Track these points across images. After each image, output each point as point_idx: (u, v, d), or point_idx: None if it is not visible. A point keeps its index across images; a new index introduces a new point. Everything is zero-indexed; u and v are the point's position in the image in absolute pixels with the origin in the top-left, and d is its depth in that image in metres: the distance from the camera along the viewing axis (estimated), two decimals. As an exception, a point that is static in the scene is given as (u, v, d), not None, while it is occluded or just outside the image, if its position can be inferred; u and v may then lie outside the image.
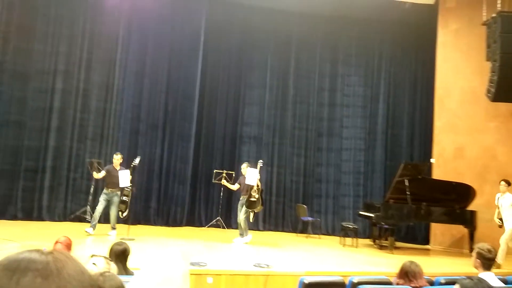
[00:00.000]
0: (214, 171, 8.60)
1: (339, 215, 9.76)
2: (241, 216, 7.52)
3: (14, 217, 8.09)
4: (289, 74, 10.11)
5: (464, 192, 7.92)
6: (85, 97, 8.87)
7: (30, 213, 8.28)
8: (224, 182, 8.15)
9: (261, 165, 7.63)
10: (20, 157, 8.32)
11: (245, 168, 7.69)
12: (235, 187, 7.94)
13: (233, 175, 8.36)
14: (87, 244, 6.52)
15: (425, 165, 8.45)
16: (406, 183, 7.75)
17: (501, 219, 6.89)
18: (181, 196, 9.23)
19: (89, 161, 8.05)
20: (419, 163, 8.89)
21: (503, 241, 6.66)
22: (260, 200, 7.46)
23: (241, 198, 7.67)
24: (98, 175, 7.26)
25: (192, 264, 5.35)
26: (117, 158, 7.34)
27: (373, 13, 9.64)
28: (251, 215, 7.61)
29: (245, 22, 9.90)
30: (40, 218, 8.27)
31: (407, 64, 10.18)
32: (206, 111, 9.76)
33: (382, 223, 7.97)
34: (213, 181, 8.57)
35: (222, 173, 8.32)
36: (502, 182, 6.91)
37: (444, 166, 8.84)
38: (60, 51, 8.74)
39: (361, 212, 8.61)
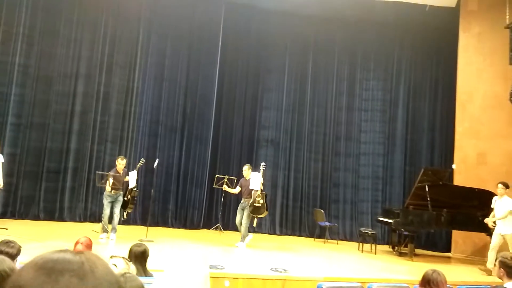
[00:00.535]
0: (216, 176, 8.32)
1: (357, 220, 9.64)
2: (244, 221, 7.31)
3: (36, 217, 8.28)
4: (307, 78, 10.08)
5: (487, 199, 7.71)
6: (105, 100, 9.02)
7: (52, 214, 8.45)
8: (225, 187, 7.92)
9: (264, 168, 7.49)
10: (43, 159, 8.51)
11: (246, 171, 7.54)
12: (236, 190, 7.72)
13: (235, 180, 8.04)
14: (103, 245, 6.61)
15: (446, 171, 8.29)
16: (427, 189, 7.61)
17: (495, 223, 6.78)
18: (198, 199, 9.29)
19: (101, 174, 7.50)
20: (439, 168, 8.72)
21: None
22: (265, 205, 7.33)
23: (242, 201, 7.49)
24: (109, 187, 7.15)
25: (210, 267, 5.36)
26: (123, 163, 7.28)
27: (392, 17, 9.55)
28: (255, 220, 7.47)
29: (263, 25, 9.93)
30: (61, 218, 8.44)
31: (428, 68, 10.02)
32: (223, 115, 9.80)
33: (402, 229, 7.83)
34: (214, 186, 8.30)
35: (224, 178, 8.07)
36: (500, 185, 6.76)
37: (466, 172, 8.64)
38: (82, 55, 8.92)
39: (380, 218, 8.49)
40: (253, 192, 7.29)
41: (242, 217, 7.37)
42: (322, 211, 9.08)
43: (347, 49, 10.17)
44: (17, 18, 8.47)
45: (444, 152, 9.55)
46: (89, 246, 3.58)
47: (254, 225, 7.62)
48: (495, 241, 6.64)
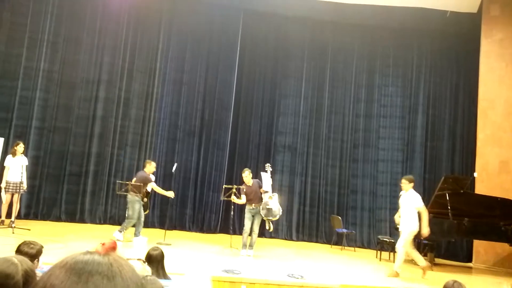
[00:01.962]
0: (223, 187, 7.68)
1: (375, 228, 9.52)
2: (256, 228, 6.93)
3: (58, 219, 8.47)
4: (325, 84, 10.06)
5: (510, 208, 7.52)
6: (126, 106, 9.20)
7: (73, 215, 8.63)
8: (233, 198, 7.21)
9: (271, 169, 7.19)
10: (65, 162, 8.72)
11: (248, 176, 7.05)
12: (243, 200, 7.08)
13: (244, 189, 7.26)
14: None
15: (467, 179, 8.11)
16: (447, 197, 7.46)
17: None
18: (215, 203, 9.35)
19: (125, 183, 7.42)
20: (460, 176, 8.54)
21: (400, 247, 6.33)
22: (279, 206, 7.05)
23: (251, 208, 6.97)
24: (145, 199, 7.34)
25: (227, 271, 5.38)
26: (154, 166, 7.51)
27: (410, 22, 9.47)
28: (271, 224, 7.10)
29: (281, 31, 9.98)
30: (82, 220, 8.61)
31: (448, 74, 9.86)
32: (241, 120, 9.87)
33: (421, 238, 7.69)
34: (222, 198, 7.74)
35: (232, 188, 7.30)
36: (403, 180, 6.55)
37: (488, 181, 8.44)
38: (104, 61, 9.13)
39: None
40: (263, 194, 6.97)
41: (252, 225, 6.95)
42: (340, 217, 9.00)
43: (365, 55, 10.11)
44: (42, 25, 8.74)
45: (465, 159, 9.36)
46: (114, 248, 3.65)
47: (271, 229, 7.32)
48: None
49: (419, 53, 10.02)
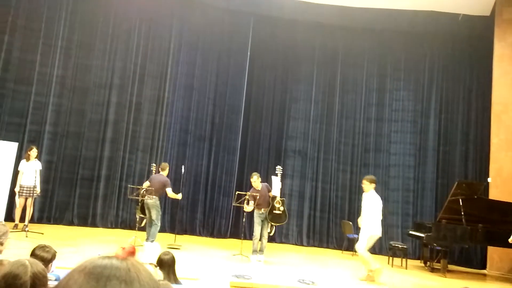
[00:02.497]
0: (236, 193, 7.41)
1: (387, 233, 9.37)
2: (265, 232, 6.91)
3: (70, 223, 8.56)
4: (335, 88, 10.03)
5: (525, 215, 7.38)
6: (137, 110, 9.27)
7: (85, 219, 8.70)
8: (245, 206, 6.97)
9: (281, 172, 7.10)
10: (78, 166, 8.80)
11: (257, 181, 6.95)
12: (251, 208, 6.92)
13: (257, 196, 6.97)
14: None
15: (481, 185, 7.98)
16: (461, 202, 7.35)
17: None
18: (226, 208, 9.35)
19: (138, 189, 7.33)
20: (474, 182, 8.41)
21: (361, 249, 6.06)
22: (286, 212, 7.00)
23: (261, 212, 6.91)
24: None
25: (237, 276, 5.37)
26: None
27: (422, 26, 9.40)
28: (273, 228, 7.10)
29: (291, 36, 9.99)
30: (94, 224, 8.68)
31: (461, 78, 9.75)
32: (251, 124, 9.87)
33: (434, 244, 7.59)
34: (234, 204, 7.44)
35: (245, 195, 7.03)
36: (364, 180, 6.27)
37: (502, 186, 8.29)
38: (116, 66, 9.23)
39: (411, 232, 8.27)
40: (271, 198, 6.90)
41: (261, 230, 6.91)
42: (350, 223, 8.92)
43: (376, 58, 10.06)
44: (56, 31, 8.88)
45: (478, 164, 9.21)
46: (132, 253, 3.66)
47: (271, 233, 7.25)
48: None
49: (431, 56, 9.93)
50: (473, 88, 9.60)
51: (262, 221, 6.96)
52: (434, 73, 9.89)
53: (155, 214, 7.05)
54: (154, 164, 8.08)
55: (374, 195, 6.23)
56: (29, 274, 1.68)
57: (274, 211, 6.88)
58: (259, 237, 6.93)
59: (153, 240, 6.98)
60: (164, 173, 7.42)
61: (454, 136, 9.58)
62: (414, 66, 9.95)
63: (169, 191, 7.29)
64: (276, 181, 7.00)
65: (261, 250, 6.94)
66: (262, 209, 6.93)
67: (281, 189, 7.13)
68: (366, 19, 9.37)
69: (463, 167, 9.39)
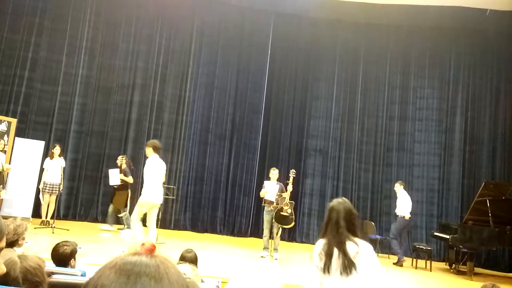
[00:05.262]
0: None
1: (410, 234, 9.22)
2: (275, 230, 6.85)
3: (95, 220, 8.74)
4: (357, 86, 9.88)
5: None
6: (159, 109, 9.39)
7: (109, 217, 8.86)
8: (264, 192, 7.08)
9: (294, 175, 7.05)
10: (102, 164, 8.98)
11: (275, 176, 7.04)
12: (262, 192, 7.07)
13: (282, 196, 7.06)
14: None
15: (510, 185, 7.73)
16: (488, 203, 7.13)
17: None
18: (246, 207, 9.36)
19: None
20: (502, 182, 8.15)
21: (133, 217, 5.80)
22: (293, 215, 6.93)
23: (270, 209, 6.91)
24: None
25: (254, 275, 5.35)
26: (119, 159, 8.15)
27: (447, 22, 9.14)
28: (280, 230, 6.99)
29: (312, 34, 9.89)
30: (117, 221, 8.81)
31: (488, 75, 9.45)
32: (272, 123, 9.84)
33: (460, 246, 7.39)
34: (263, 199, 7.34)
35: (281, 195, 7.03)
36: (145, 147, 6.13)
37: (532, 187, 8.00)
38: (138, 66, 9.37)
39: (435, 233, 8.08)
40: (280, 199, 6.84)
41: (271, 228, 6.91)
42: (373, 223, 8.79)
43: (399, 56, 9.86)
44: (81, 32, 9.08)
45: (506, 164, 8.92)
46: (152, 250, 3.69)
47: (278, 234, 7.06)
48: None
49: (457, 53, 9.66)
50: (501, 86, 9.30)
51: (271, 218, 6.93)
52: (460, 70, 9.62)
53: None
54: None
55: (154, 160, 5.88)
56: (19, 269, 1.77)
57: (281, 212, 6.83)
58: (268, 235, 6.95)
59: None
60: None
61: (481, 135, 9.30)
62: (439, 63, 9.71)
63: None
64: (272, 185, 6.96)
65: (275, 249, 6.93)
66: (271, 206, 6.93)
67: (293, 190, 7.02)
68: (389, 15, 9.19)
69: (490, 167, 9.11)
